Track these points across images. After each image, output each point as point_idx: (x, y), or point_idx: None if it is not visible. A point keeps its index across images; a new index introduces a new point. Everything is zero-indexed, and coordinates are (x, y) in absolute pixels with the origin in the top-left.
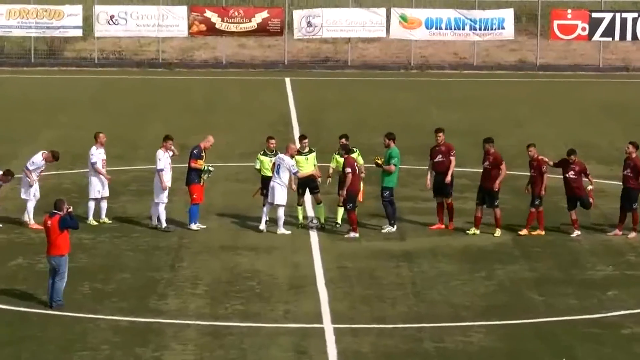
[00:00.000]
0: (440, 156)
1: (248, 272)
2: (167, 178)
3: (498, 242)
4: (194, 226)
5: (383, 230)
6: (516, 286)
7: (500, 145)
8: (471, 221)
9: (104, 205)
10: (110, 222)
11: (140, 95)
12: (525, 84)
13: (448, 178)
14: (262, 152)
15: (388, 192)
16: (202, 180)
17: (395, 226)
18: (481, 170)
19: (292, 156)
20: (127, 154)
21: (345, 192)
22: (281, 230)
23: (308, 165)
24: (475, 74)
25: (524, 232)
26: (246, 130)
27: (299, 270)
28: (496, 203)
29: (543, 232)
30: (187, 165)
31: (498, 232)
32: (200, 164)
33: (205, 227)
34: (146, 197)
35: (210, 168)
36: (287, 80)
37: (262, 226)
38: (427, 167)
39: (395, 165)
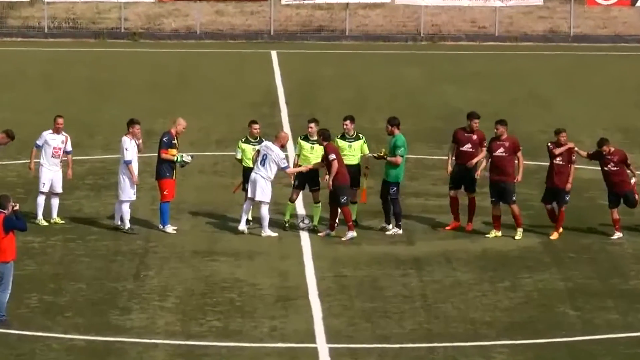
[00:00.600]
0: (470, 146)
1: (227, 282)
2: (135, 171)
3: (524, 246)
4: (167, 228)
5: (388, 233)
6: (546, 298)
7: (525, 131)
8: (491, 221)
9: (55, 202)
10: (62, 222)
11: (99, 71)
12: (556, 58)
13: (472, 162)
14: (243, 139)
15: (395, 189)
16: (174, 173)
17: (401, 228)
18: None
19: (282, 146)
20: (82, 141)
21: (331, 183)
22: (266, 232)
23: (314, 156)
24: (496, 46)
25: (555, 235)
26: (224, 113)
27: (287, 280)
28: (513, 198)
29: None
30: (156, 155)
31: (519, 233)
32: (173, 153)
33: (176, 228)
34: (105, 192)
35: (186, 158)
36: (274, 53)
37: (242, 226)
38: (444, 157)
39: (401, 156)
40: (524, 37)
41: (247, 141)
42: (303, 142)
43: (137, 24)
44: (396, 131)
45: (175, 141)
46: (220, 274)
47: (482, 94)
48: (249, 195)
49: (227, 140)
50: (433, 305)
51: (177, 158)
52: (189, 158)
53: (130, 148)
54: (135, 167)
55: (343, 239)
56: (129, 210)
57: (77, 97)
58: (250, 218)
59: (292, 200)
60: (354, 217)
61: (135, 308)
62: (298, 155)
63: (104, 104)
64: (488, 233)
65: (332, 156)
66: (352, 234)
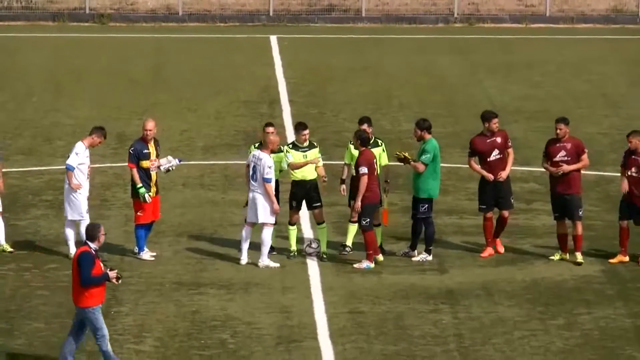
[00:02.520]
0: (497, 152)
1: (217, 320)
2: (82, 183)
3: (582, 275)
4: (143, 254)
5: (415, 259)
6: (609, 339)
7: (584, 132)
8: (542, 244)
9: None
10: (10, 250)
11: (58, 62)
12: (621, 43)
13: (504, 174)
14: (256, 145)
15: (426, 206)
16: (151, 190)
17: (431, 253)
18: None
19: (272, 152)
20: (39, 147)
21: (360, 201)
22: (264, 261)
23: (307, 166)
24: (548, 29)
25: (617, 259)
26: (212, 113)
27: (291, 318)
28: (580, 213)
29: (626, 258)
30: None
31: (580, 257)
32: (146, 165)
33: (155, 254)
34: None
35: (169, 165)
36: (273, 39)
37: (244, 258)
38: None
39: (424, 163)
40: (582, 18)
41: (261, 146)
42: (293, 152)
43: (105, 3)
44: (427, 136)
45: (149, 149)
46: (208, 311)
47: (530, 88)
48: (248, 219)
49: (215, 147)
50: (470, 347)
51: (141, 195)
52: (176, 162)
53: (81, 153)
54: (84, 181)
55: (355, 266)
56: (73, 231)
57: (32, 93)
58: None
59: (292, 224)
60: (379, 242)
61: None
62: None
63: (64, 101)
64: (539, 258)
65: (364, 169)
66: (369, 264)
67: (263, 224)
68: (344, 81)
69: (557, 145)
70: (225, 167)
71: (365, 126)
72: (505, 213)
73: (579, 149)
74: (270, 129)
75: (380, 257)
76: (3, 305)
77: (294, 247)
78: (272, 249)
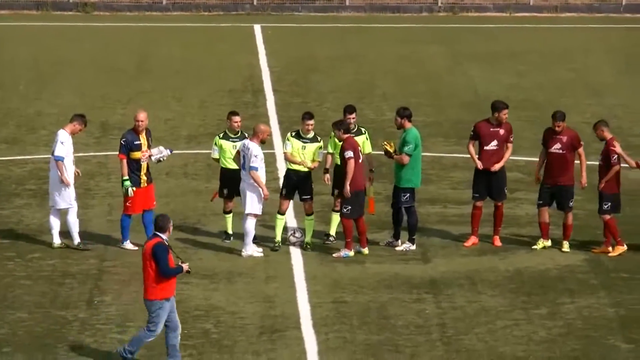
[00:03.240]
0: (496, 143)
1: (200, 309)
2: (69, 171)
3: (565, 264)
4: (126, 244)
5: (398, 249)
6: (592, 329)
7: (569, 122)
8: (525, 233)
9: None
10: None
11: (41, 51)
12: (605, 33)
13: (497, 166)
14: (221, 135)
15: (407, 195)
16: (141, 180)
17: (414, 243)
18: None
19: (262, 142)
20: (22, 136)
21: (348, 187)
22: (248, 250)
23: (304, 157)
24: (531, 18)
25: (605, 250)
26: (196, 102)
27: (274, 307)
28: (571, 204)
29: (624, 247)
30: (115, 154)
31: (567, 246)
32: (137, 156)
33: (138, 245)
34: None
35: (160, 155)
36: (257, 28)
37: (247, 250)
38: (466, 155)
39: (408, 154)
40: (565, 7)
41: (225, 137)
42: (293, 140)
43: None
44: (407, 124)
45: (140, 140)
46: (192, 300)
47: (514, 77)
48: (243, 208)
49: (199, 136)
50: (453, 337)
51: (125, 188)
52: (167, 152)
53: (66, 142)
54: (69, 168)
55: (334, 255)
56: (76, 220)
57: (15, 82)
58: (230, 232)
59: (282, 212)
60: (332, 231)
61: (88, 342)
62: (332, 154)
63: (48, 90)
64: (522, 247)
65: (349, 153)
66: (347, 253)
67: (247, 214)
68: (328, 70)
69: (554, 137)
70: (209, 157)
71: (350, 114)
72: (499, 203)
73: (574, 141)
74: (236, 118)
75: (366, 251)
76: None
77: (279, 237)
78: (228, 235)
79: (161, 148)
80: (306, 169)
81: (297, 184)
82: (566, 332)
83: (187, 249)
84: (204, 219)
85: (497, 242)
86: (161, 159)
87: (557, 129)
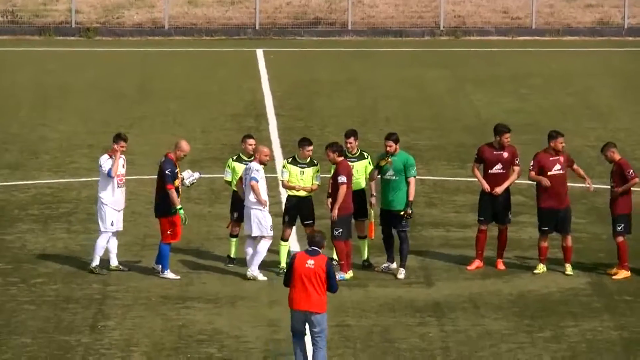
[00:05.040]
0: (500, 166)
1: (204, 334)
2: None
3: (569, 288)
4: (167, 274)
5: (400, 277)
6: (596, 352)
7: (572, 145)
8: (528, 256)
9: None
10: None
11: (45, 76)
12: (607, 56)
13: (498, 190)
14: (235, 157)
15: (406, 222)
16: (180, 212)
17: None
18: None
19: (261, 163)
20: (25, 161)
21: (337, 210)
22: (254, 272)
23: (303, 182)
24: (533, 42)
25: (616, 272)
26: (199, 126)
27: (278, 331)
28: (570, 226)
29: (628, 273)
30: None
31: (570, 268)
32: (177, 184)
33: (178, 278)
34: (53, 224)
35: (192, 178)
36: (259, 52)
37: (252, 270)
38: (469, 178)
39: (415, 176)
40: (568, 31)
41: (239, 159)
42: (290, 166)
43: (92, 17)
44: (398, 148)
45: (178, 169)
46: (195, 325)
47: (516, 100)
48: (245, 231)
49: (202, 160)
50: None
51: (183, 216)
52: (197, 175)
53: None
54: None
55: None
56: (103, 246)
57: (18, 107)
58: (233, 256)
59: (285, 239)
60: (365, 256)
61: None
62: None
63: (50, 116)
64: (525, 270)
65: (342, 178)
66: (342, 275)
67: (261, 237)
68: (330, 94)
69: (552, 158)
70: (212, 181)
71: (352, 139)
72: (503, 227)
73: (569, 160)
74: (250, 141)
75: (350, 274)
76: None
77: (283, 263)
78: (232, 260)
79: (189, 171)
80: (307, 194)
81: (298, 210)
82: (570, 356)
83: (190, 273)
84: (207, 243)
85: (501, 266)
86: (193, 181)
87: (505, 141)
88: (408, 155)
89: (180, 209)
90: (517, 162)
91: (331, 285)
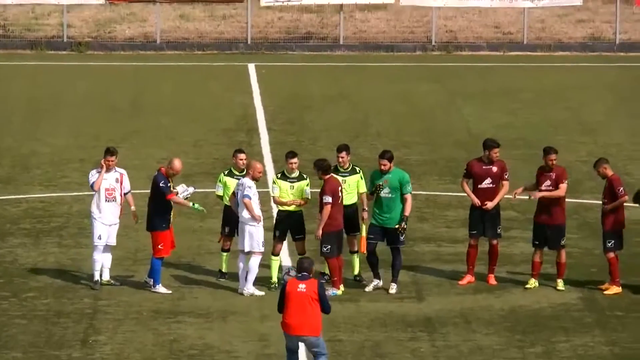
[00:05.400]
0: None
1: (195, 349)
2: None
3: (560, 303)
4: (159, 288)
5: (392, 291)
6: None
7: (562, 160)
8: (519, 271)
9: None
10: None
11: (36, 90)
12: (599, 71)
13: (490, 205)
14: (226, 172)
15: (402, 237)
16: (170, 222)
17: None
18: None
19: (254, 179)
20: (17, 175)
21: (321, 230)
22: (250, 289)
23: (293, 197)
24: (525, 57)
25: (607, 288)
26: (190, 141)
27: (269, 346)
28: (563, 242)
29: (619, 289)
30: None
31: (561, 284)
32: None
33: (170, 292)
34: (45, 238)
35: (187, 192)
36: (251, 66)
37: (248, 288)
38: (460, 193)
39: (411, 193)
40: (559, 46)
41: (230, 174)
42: (280, 182)
43: (83, 31)
44: (392, 166)
45: (170, 183)
46: (187, 339)
47: (507, 115)
48: (239, 246)
49: (194, 175)
50: None
51: (198, 208)
52: (192, 189)
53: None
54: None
55: (367, 289)
56: (98, 260)
57: (9, 121)
58: (224, 270)
59: (276, 254)
60: (356, 271)
61: None
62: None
63: (42, 130)
64: (517, 285)
65: (327, 199)
66: (334, 291)
67: (251, 253)
68: (322, 109)
69: (545, 174)
70: (205, 196)
71: (343, 154)
72: (494, 241)
73: (560, 178)
74: (241, 156)
75: (341, 289)
76: None
77: (275, 278)
78: (223, 274)
79: (184, 185)
80: (297, 209)
81: (289, 225)
82: None
83: (181, 288)
84: (199, 257)
85: (492, 281)
86: (188, 195)
87: (553, 162)
88: (403, 172)
89: (193, 204)
90: (506, 176)
91: (324, 307)
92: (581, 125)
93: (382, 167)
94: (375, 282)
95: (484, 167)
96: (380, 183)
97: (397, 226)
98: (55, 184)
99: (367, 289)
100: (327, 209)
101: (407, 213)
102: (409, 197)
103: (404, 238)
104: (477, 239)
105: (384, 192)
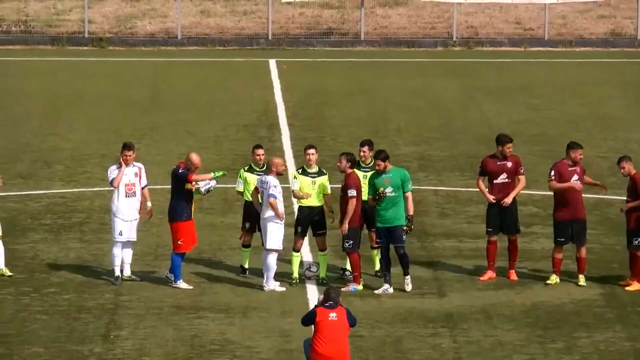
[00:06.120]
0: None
1: (216, 344)
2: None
3: (582, 299)
4: (180, 284)
5: (408, 288)
6: None
7: (584, 157)
8: (540, 267)
9: None
10: (10, 274)
11: (57, 85)
12: (619, 67)
13: (507, 200)
14: (246, 167)
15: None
16: (192, 212)
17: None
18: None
19: (278, 174)
20: (37, 171)
21: (347, 224)
22: (270, 285)
23: (315, 192)
24: (546, 53)
25: (629, 284)
26: (211, 136)
27: (290, 341)
28: (585, 237)
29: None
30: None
31: (583, 279)
32: (189, 187)
33: (191, 288)
34: (66, 234)
35: (207, 186)
36: (272, 62)
37: (269, 284)
38: (478, 189)
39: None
40: (580, 42)
41: (250, 169)
42: (301, 177)
43: (104, 27)
44: (389, 165)
45: None
46: (208, 335)
47: (528, 111)
48: (263, 243)
49: (214, 170)
50: None
51: (220, 176)
52: (214, 182)
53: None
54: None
55: (343, 289)
56: (118, 255)
57: (30, 117)
58: (246, 266)
59: (297, 249)
60: (377, 267)
61: None
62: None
63: (63, 125)
64: (538, 281)
65: (352, 192)
66: (355, 287)
67: (268, 250)
68: (343, 105)
69: (570, 169)
70: (225, 191)
71: (366, 148)
72: (513, 237)
73: (583, 171)
74: (259, 151)
75: (361, 285)
76: (2, 329)
77: (296, 273)
78: (244, 270)
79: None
80: (319, 204)
81: (310, 220)
82: None
83: (202, 283)
84: (220, 253)
85: (513, 277)
86: (210, 189)
87: (507, 151)
88: (404, 170)
89: (215, 172)
90: (522, 171)
91: (353, 325)
92: (601, 121)
93: (377, 167)
94: (386, 287)
95: (498, 162)
96: (383, 189)
97: (404, 227)
98: (76, 179)
99: (376, 292)
100: (353, 203)
101: (411, 212)
102: (409, 195)
103: (405, 238)
104: (496, 235)
105: (387, 191)
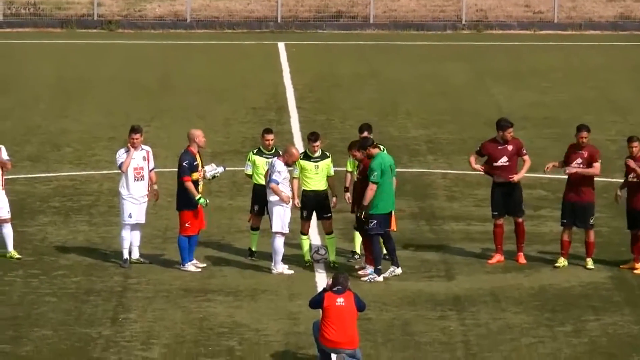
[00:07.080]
0: (506, 159)
1: (224, 326)
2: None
3: (590, 282)
4: (188, 266)
5: (364, 278)
6: (617, 346)
7: (593, 140)
8: (549, 250)
9: (7, 230)
10: (19, 256)
11: (66, 68)
12: (629, 50)
13: (516, 177)
14: (255, 151)
15: (375, 222)
16: (200, 202)
17: (381, 274)
18: (565, 177)
19: (287, 164)
20: (46, 154)
21: (368, 209)
22: (278, 268)
23: (318, 176)
24: (555, 36)
25: (637, 267)
26: (220, 119)
27: (298, 324)
28: (591, 221)
29: (636, 266)
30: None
31: (590, 263)
32: (196, 177)
33: (204, 265)
34: (75, 216)
35: (215, 171)
36: (281, 45)
37: (277, 267)
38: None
39: (374, 182)
40: (590, 25)
41: (259, 152)
42: (304, 162)
43: (113, 9)
44: (374, 151)
45: (198, 161)
46: (216, 317)
47: (537, 95)
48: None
49: (223, 153)
50: (478, 354)
51: (202, 204)
52: (221, 169)
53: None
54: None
55: (360, 272)
56: (127, 238)
57: (39, 100)
58: (254, 249)
59: (305, 233)
60: (384, 250)
61: (112, 359)
62: (297, 179)
63: (72, 108)
64: (546, 264)
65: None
66: (372, 269)
67: (275, 233)
68: (351, 88)
69: (576, 153)
70: (233, 174)
71: (366, 133)
72: (519, 220)
73: (592, 157)
74: (268, 136)
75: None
76: (11, 311)
77: (307, 257)
78: (252, 253)
79: (213, 165)
80: (323, 188)
81: (315, 204)
82: (591, 350)
83: (210, 266)
84: (228, 236)
85: (521, 260)
86: (215, 174)
87: (584, 140)
88: (375, 159)
89: (199, 198)
90: (524, 151)
91: (361, 309)
92: (611, 104)
93: (353, 157)
94: (393, 268)
95: (499, 147)
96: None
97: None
98: (85, 162)
99: (384, 275)
100: (373, 189)
101: (365, 202)
102: (368, 191)
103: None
104: (502, 218)
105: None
